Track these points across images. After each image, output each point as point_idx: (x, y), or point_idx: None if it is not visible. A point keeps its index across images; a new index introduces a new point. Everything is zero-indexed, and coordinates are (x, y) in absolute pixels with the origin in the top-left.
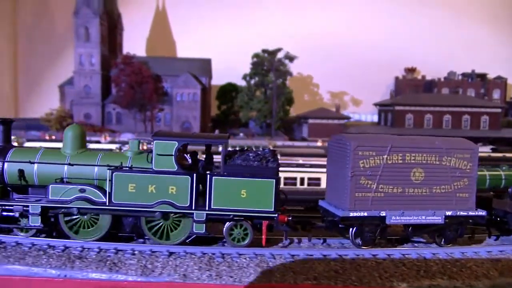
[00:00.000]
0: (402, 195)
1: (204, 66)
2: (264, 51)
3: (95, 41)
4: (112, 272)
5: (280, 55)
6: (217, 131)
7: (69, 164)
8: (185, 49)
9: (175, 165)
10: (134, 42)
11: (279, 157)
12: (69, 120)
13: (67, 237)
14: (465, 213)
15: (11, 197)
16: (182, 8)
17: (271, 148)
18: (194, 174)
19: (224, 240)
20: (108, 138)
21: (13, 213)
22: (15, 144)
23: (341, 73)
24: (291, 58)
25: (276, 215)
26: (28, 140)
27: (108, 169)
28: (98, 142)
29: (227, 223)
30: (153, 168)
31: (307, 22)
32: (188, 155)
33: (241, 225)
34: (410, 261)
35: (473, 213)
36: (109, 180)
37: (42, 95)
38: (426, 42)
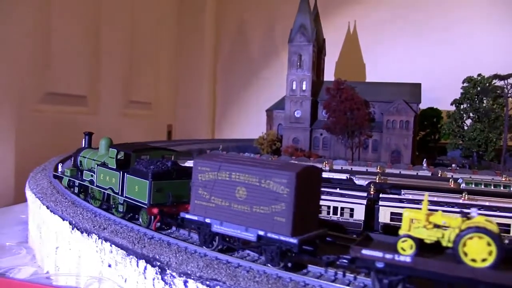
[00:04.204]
0: (228, 209)
1: (414, 91)
2: (495, 76)
3: (307, 68)
4: None
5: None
6: (425, 161)
7: (93, 160)
8: (377, 72)
9: (115, 164)
10: (326, 67)
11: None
12: (278, 144)
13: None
14: (276, 237)
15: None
16: (373, 30)
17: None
18: (121, 172)
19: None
20: (327, 166)
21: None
22: None
23: None
24: None
25: (146, 206)
26: None
27: (96, 163)
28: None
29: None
30: (109, 165)
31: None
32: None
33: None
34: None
35: (284, 239)
36: (95, 171)
37: (235, 117)
38: None
